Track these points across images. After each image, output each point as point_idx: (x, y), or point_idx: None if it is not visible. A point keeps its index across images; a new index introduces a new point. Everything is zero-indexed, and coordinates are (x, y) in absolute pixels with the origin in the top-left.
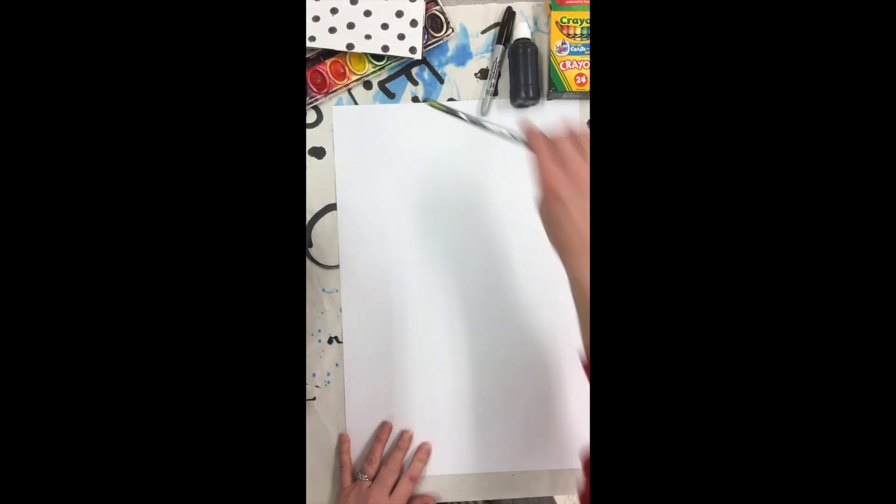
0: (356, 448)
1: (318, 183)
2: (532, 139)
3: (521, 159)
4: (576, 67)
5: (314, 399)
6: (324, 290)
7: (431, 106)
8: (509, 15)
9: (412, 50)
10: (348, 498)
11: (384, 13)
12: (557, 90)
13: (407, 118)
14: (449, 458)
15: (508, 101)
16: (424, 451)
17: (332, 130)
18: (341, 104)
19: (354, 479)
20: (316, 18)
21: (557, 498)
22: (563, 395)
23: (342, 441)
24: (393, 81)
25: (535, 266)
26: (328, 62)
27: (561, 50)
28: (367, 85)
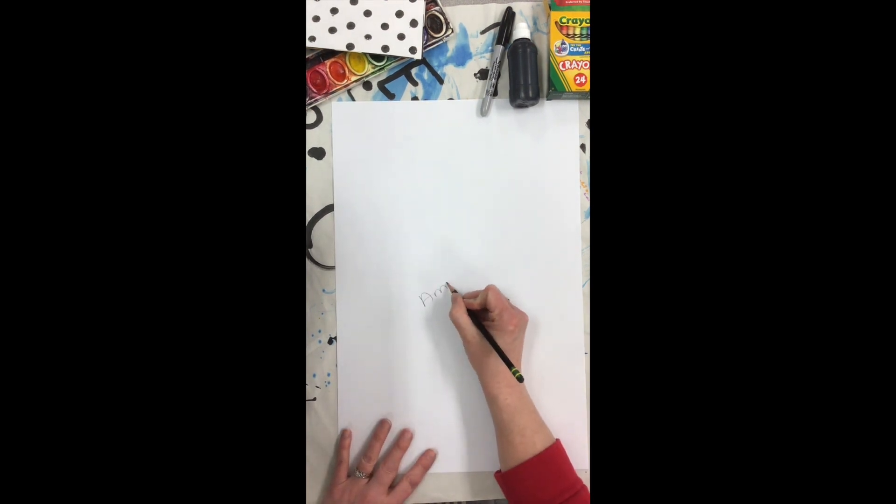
0: (353, 447)
1: (318, 183)
2: None
3: (520, 158)
4: (575, 67)
5: (314, 399)
6: (324, 290)
7: None
8: (509, 15)
9: (412, 50)
10: (343, 494)
11: (384, 13)
12: (557, 90)
13: (406, 116)
14: (446, 457)
15: (508, 101)
16: (429, 458)
17: (332, 130)
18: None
19: (349, 475)
20: (316, 18)
21: None
22: (562, 395)
23: (343, 436)
24: (392, 82)
25: (536, 266)
26: (328, 63)
27: (560, 50)
28: (367, 85)
